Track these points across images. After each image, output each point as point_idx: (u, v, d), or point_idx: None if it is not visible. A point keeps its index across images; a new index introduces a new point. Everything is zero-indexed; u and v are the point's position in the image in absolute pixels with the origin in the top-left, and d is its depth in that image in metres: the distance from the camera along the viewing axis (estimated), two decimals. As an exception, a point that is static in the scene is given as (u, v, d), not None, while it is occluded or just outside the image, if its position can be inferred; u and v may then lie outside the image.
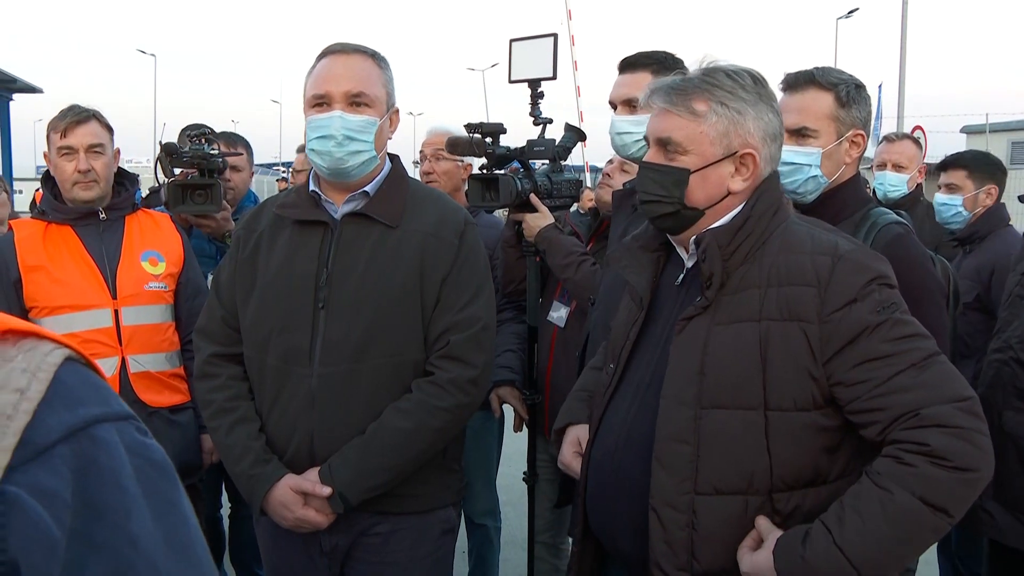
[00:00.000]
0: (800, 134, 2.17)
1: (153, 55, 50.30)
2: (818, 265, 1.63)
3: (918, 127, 16.46)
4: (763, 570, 1.56)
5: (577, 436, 2.02)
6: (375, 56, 2.19)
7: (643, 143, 2.58)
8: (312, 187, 2.22)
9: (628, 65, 2.71)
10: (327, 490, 2.05)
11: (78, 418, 0.60)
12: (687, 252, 1.84)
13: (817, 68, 2.21)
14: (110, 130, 2.93)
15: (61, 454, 0.58)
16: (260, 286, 2.19)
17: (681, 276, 1.84)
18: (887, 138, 4.26)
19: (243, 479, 2.14)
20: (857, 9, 33.65)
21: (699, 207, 1.75)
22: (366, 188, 2.19)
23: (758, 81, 1.78)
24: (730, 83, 1.74)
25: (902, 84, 23.29)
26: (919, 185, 4.14)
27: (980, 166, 3.62)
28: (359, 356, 2.09)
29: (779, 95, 2.24)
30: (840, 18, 34.06)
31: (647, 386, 1.79)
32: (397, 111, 2.27)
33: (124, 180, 3.02)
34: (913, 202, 3.93)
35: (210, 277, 3.42)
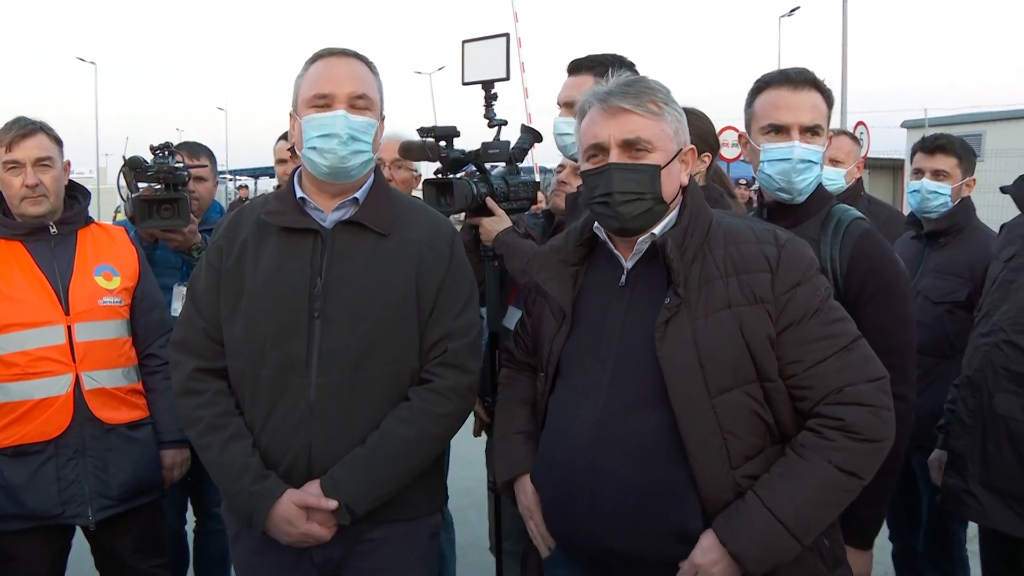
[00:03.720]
0: (813, 132, 2.24)
1: (93, 63, 49.60)
2: (767, 253, 1.81)
3: (861, 122, 16.79)
4: (713, 553, 1.73)
5: (533, 488, 2.03)
6: (369, 63, 2.21)
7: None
8: (300, 193, 2.20)
9: (573, 68, 2.76)
10: (333, 503, 2.04)
11: None
12: (627, 256, 1.91)
13: (807, 69, 2.28)
14: (59, 142, 2.89)
15: None
16: (249, 296, 2.14)
17: (624, 278, 1.92)
18: None
19: (243, 497, 2.10)
20: (799, 8, 34.34)
21: (667, 201, 1.86)
22: (356, 195, 2.18)
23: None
24: (662, 88, 1.88)
25: (844, 81, 23.77)
26: (859, 180, 4.18)
27: (968, 155, 3.49)
28: (359, 365, 2.09)
29: (770, 90, 2.30)
30: (783, 16, 34.70)
31: (609, 387, 1.84)
32: (383, 118, 2.26)
33: (76, 193, 2.97)
34: (855, 196, 3.92)
35: (174, 288, 3.40)
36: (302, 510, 2.06)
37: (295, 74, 2.22)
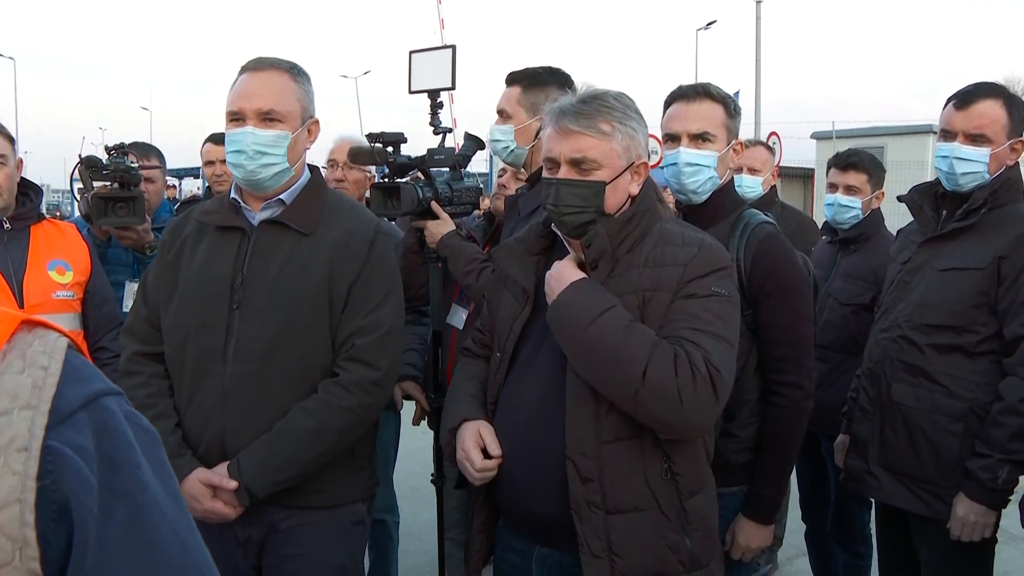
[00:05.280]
0: (702, 138, 2.45)
1: (12, 58, 47.66)
2: (686, 254, 1.97)
3: (773, 133, 17.39)
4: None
5: (477, 429, 2.10)
6: (292, 70, 2.31)
7: (511, 148, 2.86)
8: (233, 195, 2.35)
9: (509, 80, 2.93)
10: (233, 484, 2.16)
11: (89, 391, 0.75)
12: (580, 251, 2.07)
13: (707, 83, 2.51)
14: (11, 140, 2.94)
15: (82, 419, 0.73)
16: (181, 288, 2.30)
17: None
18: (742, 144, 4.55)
19: None
20: (715, 21, 35.34)
21: (611, 212, 2.02)
22: (282, 196, 2.31)
23: (632, 100, 2.09)
24: (620, 105, 2.03)
25: (758, 92, 24.61)
26: (773, 187, 4.48)
27: (877, 171, 3.74)
28: (268, 357, 2.21)
29: (671, 105, 2.51)
30: (699, 29, 35.52)
31: (548, 367, 2.02)
32: (316, 122, 2.38)
33: (28, 190, 3.03)
34: (769, 203, 4.23)
35: (126, 285, 3.45)
36: (208, 488, 2.18)
37: (219, 76, 2.38)
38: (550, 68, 2.93)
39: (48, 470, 0.69)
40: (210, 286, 2.26)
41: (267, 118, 2.24)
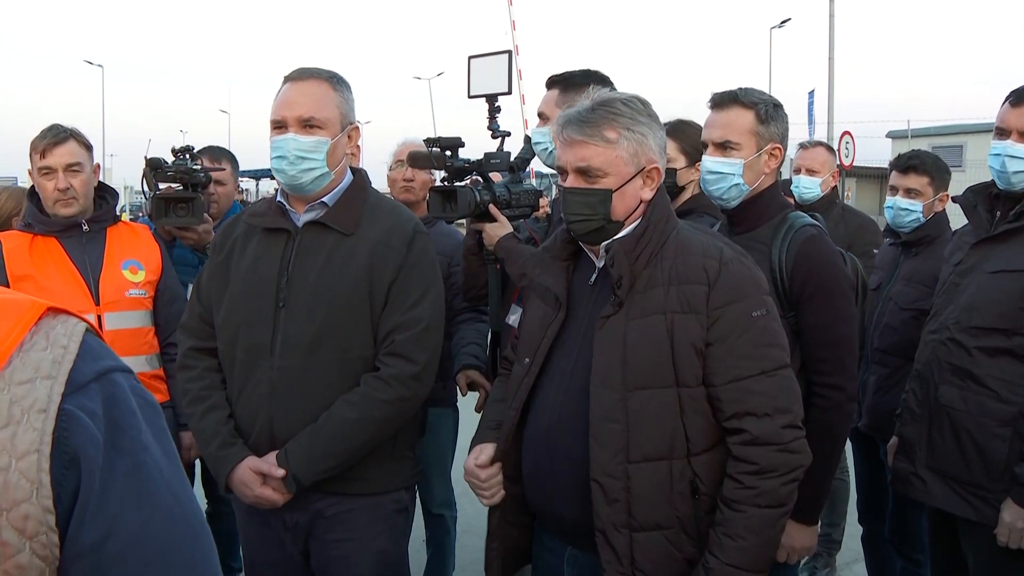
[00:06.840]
0: (724, 146, 2.47)
1: (100, 66, 49.65)
2: (708, 268, 1.97)
3: (847, 132, 17.08)
4: None
5: (478, 449, 2.21)
6: (331, 79, 2.42)
7: (550, 150, 2.90)
8: (279, 198, 2.47)
9: (548, 83, 2.99)
10: (281, 472, 2.29)
11: (101, 367, 0.88)
12: (597, 256, 2.11)
13: (740, 88, 2.51)
14: (89, 148, 3.11)
15: (94, 389, 0.86)
16: (231, 287, 2.43)
17: (594, 277, 2.12)
18: (801, 145, 4.50)
19: (211, 459, 2.41)
20: (790, 19, 34.79)
21: (620, 219, 2.04)
22: (324, 199, 2.42)
23: (646, 104, 2.09)
24: (628, 110, 2.02)
25: (831, 91, 24.10)
26: (834, 188, 4.41)
27: (941, 174, 3.59)
28: (312, 351, 2.33)
29: (706, 112, 2.54)
30: (774, 28, 34.98)
31: (571, 374, 2.05)
32: (356, 128, 2.48)
33: (105, 194, 3.20)
34: (829, 204, 4.20)
35: (190, 286, 3.60)
36: (258, 475, 2.31)
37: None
38: (587, 70, 2.98)
39: (63, 428, 0.83)
40: (257, 285, 2.39)
41: (307, 125, 2.35)
